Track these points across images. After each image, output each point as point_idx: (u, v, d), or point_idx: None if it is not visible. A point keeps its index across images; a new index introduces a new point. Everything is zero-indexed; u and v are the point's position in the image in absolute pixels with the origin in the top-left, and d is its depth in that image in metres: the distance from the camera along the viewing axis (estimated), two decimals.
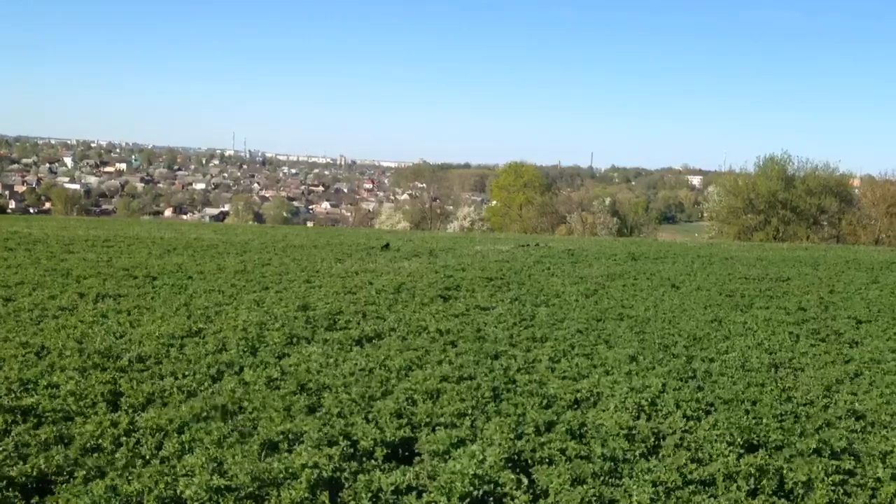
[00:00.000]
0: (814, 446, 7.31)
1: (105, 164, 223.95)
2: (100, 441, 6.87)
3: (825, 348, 12.02)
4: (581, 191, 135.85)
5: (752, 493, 6.47)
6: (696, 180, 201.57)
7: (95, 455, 6.60)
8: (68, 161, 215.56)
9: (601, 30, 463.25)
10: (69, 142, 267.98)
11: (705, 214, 79.62)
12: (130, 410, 7.71)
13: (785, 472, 6.76)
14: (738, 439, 7.40)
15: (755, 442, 7.48)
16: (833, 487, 6.54)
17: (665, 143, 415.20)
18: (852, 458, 7.19)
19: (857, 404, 8.84)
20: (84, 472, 6.21)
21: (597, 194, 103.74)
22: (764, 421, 8.04)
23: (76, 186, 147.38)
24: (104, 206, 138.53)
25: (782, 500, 6.41)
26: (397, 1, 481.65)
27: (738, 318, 14.43)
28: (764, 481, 6.59)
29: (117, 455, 6.59)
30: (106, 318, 12.25)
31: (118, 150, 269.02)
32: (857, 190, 69.76)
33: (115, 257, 20.67)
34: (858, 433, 7.93)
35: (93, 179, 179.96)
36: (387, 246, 27.64)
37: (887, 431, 7.96)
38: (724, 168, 79.90)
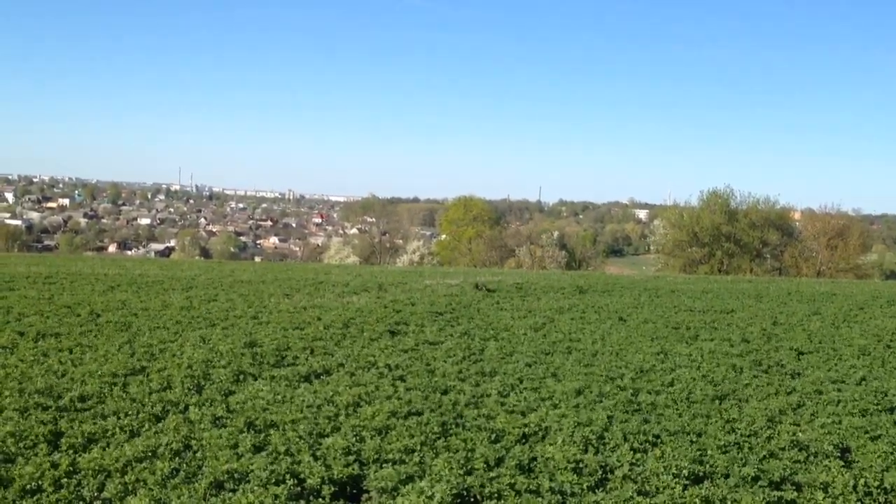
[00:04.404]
0: (756, 476, 7.42)
1: (47, 199, 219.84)
2: (40, 482, 6.71)
3: (768, 379, 12.23)
4: (530, 224, 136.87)
5: None
6: (642, 214, 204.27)
7: (35, 497, 6.45)
8: (9, 196, 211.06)
9: (548, 64, 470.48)
10: (10, 177, 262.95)
11: (652, 247, 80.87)
12: (72, 451, 7.56)
13: (729, 502, 6.85)
14: (685, 471, 7.49)
15: (701, 473, 7.57)
16: None
17: (612, 177, 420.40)
18: (794, 487, 7.31)
19: (799, 434, 8.99)
20: None
21: (545, 228, 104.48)
22: (709, 452, 8.15)
23: (17, 222, 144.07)
24: (46, 242, 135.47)
25: None
26: (343, 35, 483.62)
27: (684, 350, 14.63)
28: None
29: (58, 497, 6.45)
30: (47, 356, 12.00)
31: (61, 186, 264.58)
32: (798, 223, 71.41)
33: (57, 294, 20.26)
34: (801, 463, 8.06)
35: (35, 215, 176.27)
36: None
37: (829, 461, 8.10)
38: (670, 202, 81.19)
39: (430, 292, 24.18)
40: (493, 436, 8.54)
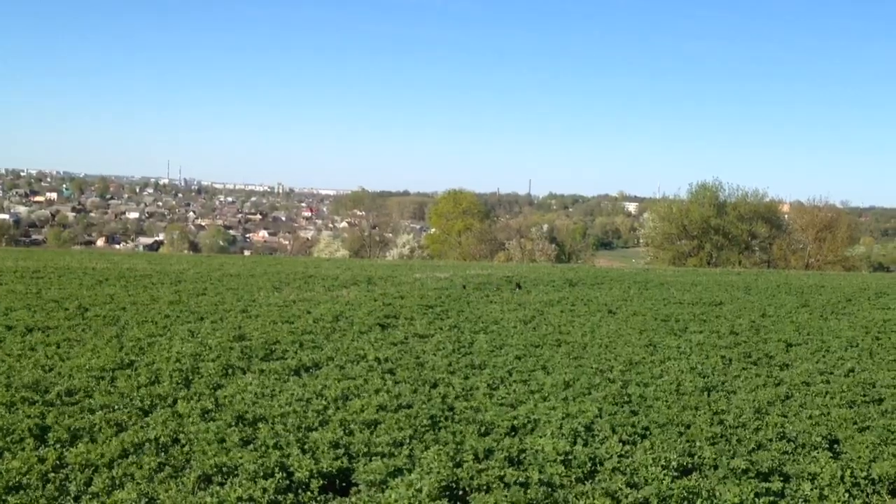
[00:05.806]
0: (744, 467, 7.44)
1: (35, 193, 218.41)
2: (27, 477, 6.66)
3: (756, 371, 12.27)
4: (519, 218, 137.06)
5: None
6: (632, 207, 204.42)
7: (22, 492, 6.40)
8: None
9: (538, 58, 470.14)
10: None
11: (641, 240, 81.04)
12: (59, 446, 7.51)
13: (717, 493, 6.86)
14: (673, 462, 7.49)
15: (689, 465, 7.58)
16: None
17: (602, 171, 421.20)
18: (782, 479, 7.32)
19: (787, 426, 9.02)
20: None
21: (535, 221, 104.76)
22: (697, 444, 8.16)
23: (5, 216, 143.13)
24: (34, 237, 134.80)
25: None
26: (331, 28, 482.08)
27: (673, 342, 14.66)
28: (697, 503, 6.68)
29: (44, 492, 6.41)
30: (34, 351, 11.94)
31: (49, 180, 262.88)
32: (786, 216, 71.68)
33: (45, 288, 20.18)
34: (789, 454, 8.08)
35: (22, 209, 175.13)
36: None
37: (817, 452, 8.13)
38: (659, 195, 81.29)
39: (419, 286, 24.18)
40: (483, 428, 8.54)
